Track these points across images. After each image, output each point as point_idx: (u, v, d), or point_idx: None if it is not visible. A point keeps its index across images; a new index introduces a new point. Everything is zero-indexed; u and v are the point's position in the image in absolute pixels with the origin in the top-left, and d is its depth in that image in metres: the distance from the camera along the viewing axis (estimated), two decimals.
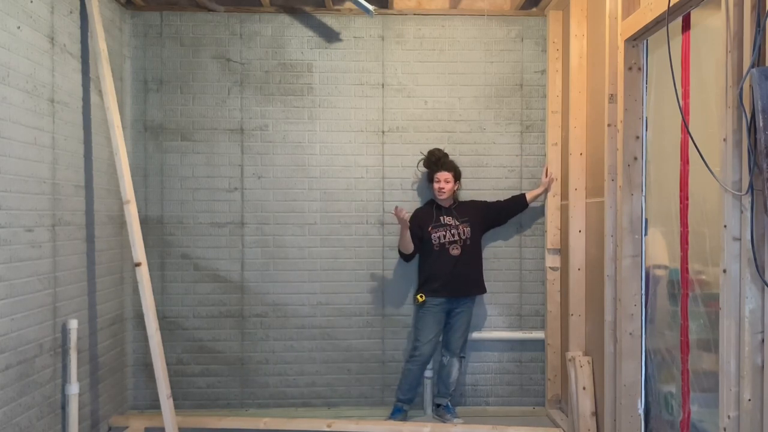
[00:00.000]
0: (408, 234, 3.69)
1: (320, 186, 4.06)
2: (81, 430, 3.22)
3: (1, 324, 2.61)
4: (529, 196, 3.95)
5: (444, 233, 3.76)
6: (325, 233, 4.06)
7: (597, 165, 3.38)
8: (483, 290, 3.91)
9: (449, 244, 3.75)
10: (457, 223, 3.79)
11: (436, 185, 3.78)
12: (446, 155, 3.88)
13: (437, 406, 3.91)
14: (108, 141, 3.52)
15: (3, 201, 2.62)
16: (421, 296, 3.75)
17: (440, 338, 3.89)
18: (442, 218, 3.79)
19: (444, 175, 3.78)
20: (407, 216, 3.61)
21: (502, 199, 3.98)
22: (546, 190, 3.99)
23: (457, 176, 3.84)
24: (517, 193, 4.06)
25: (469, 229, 3.79)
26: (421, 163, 3.93)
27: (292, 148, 4.05)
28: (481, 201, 3.97)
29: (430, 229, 3.76)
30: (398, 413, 3.82)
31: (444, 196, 3.79)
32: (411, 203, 4.02)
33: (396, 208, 3.60)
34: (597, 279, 3.36)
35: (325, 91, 4.05)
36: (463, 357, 3.95)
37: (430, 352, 3.80)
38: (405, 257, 3.84)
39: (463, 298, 3.82)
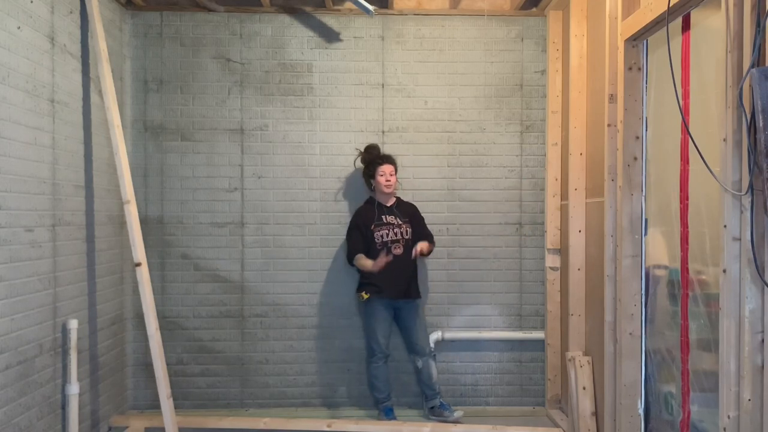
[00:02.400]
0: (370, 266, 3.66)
1: (320, 186, 4.06)
2: (81, 430, 3.22)
3: (1, 324, 2.60)
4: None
5: (387, 231, 3.72)
6: (325, 233, 4.06)
7: (597, 165, 3.38)
8: (420, 294, 3.85)
9: (392, 243, 3.71)
10: (400, 222, 3.76)
11: (381, 179, 3.71)
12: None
13: (431, 408, 3.89)
14: (108, 141, 3.51)
15: (3, 201, 2.62)
16: (366, 294, 3.69)
17: (391, 331, 3.87)
18: (384, 217, 3.75)
19: (389, 168, 3.74)
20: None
21: (424, 224, 3.90)
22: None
23: (397, 169, 3.81)
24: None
25: (410, 229, 3.78)
26: (358, 160, 3.88)
27: (292, 148, 4.05)
28: (415, 206, 3.92)
29: (372, 227, 3.72)
30: (390, 412, 3.82)
31: (390, 190, 3.75)
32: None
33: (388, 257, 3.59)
34: (597, 279, 3.36)
35: (325, 91, 4.05)
36: (434, 353, 3.93)
37: (387, 345, 3.81)
38: (348, 261, 3.82)
39: (407, 300, 3.78)
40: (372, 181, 3.80)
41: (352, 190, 4.06)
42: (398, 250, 3.72)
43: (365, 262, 3.68)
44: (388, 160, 3.78)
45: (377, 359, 3.80)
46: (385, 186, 3.73)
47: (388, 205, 3.80)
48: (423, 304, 4.02)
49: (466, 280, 4.11)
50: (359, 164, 3.91)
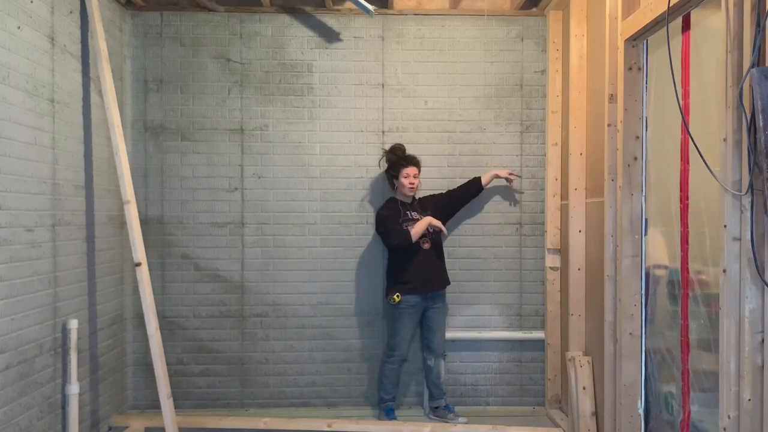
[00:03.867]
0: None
1: (320, 186, 4.06)
2: (81, 430, 3.22)
3: (1, 324, 2.61)
4: (484, 179, 3.92)
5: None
6: (325, 233, 4.06)
7: (597, 165, 3.38)
8: (449, 281, 3.92)
9: (420, 239, 3.74)
10: (423, 217, 3.79)
11: (405, 180, 3.75)
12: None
13: (435, 408, 3.90)
14: (108, 141, 3.51)
15: (3, 201, 2.62)
16: (398, 296, 3.72)
17: (414, 337, 3.90)
18: (409, 213, 3.78)
19: (414, 170, 3.78)
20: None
21: (454, 188, 3.97)
22: (499, 176, 3.95)
23: (420, 170, 3.85)
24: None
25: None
26: (383, 160, 3.91)
27: (292, 148, 4.05)
28: (438, 193, 3.98)
29: (400, 223, 3.74)
30: (391, 413, 3.82)
31: (413, 192, 3.79)
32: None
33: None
34: (597, 279, 3.36)
35: (325, 91, 4.05)
36: (445, 355, 3.95)
37: (407, 349, 3.84)
38: (404, 244, 3.70)
39: (437, 293, 3.84)
40: (395, 181, 3.82)
41: (352, 191, 4.06)
42: (426, 245, 3.77)
43: (417, 228, 3.69)
44: (413, 161, 3.80)
45: (394, 361, 3.82)
46: (409, 188, 3.76)
47: (409, 202, 3.84)
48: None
49: (466, 280, 4.11)
50: (384, 164, 3.91)
